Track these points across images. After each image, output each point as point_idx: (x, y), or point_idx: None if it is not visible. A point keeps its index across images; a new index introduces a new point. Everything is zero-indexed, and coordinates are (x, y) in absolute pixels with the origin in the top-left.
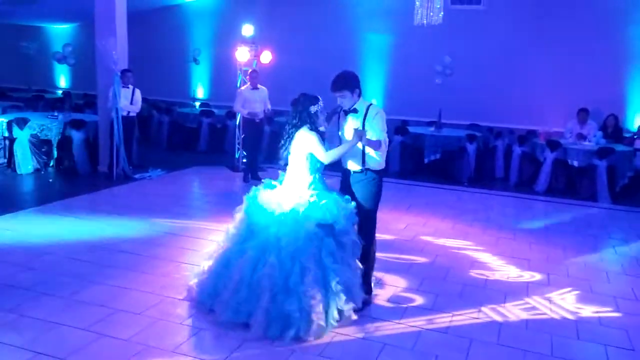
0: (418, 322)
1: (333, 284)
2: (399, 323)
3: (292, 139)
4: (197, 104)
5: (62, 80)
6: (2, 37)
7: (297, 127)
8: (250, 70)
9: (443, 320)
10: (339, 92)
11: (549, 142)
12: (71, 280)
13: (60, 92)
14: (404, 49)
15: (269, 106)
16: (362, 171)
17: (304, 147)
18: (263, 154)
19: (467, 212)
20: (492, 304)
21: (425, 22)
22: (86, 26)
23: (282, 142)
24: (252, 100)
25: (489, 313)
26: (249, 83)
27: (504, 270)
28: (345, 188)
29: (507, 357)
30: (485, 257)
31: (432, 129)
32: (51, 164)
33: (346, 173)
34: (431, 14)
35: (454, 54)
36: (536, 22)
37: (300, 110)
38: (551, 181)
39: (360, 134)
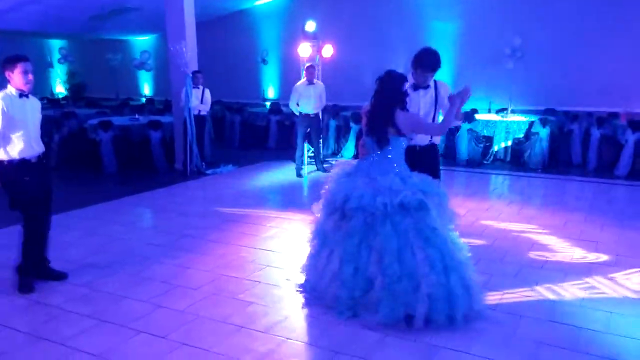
0: None
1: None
2: None
3: (386, 119)
4: (268, 103)
5: (146, 88)
6: (90, 50)
7: (388, 108)
8: (307, 65)
9: (493, 297)
10: (434, 72)
11: (631, 123)
12: (140, 261)
13: (143, 98)
14: (471, 34)
15: (324, 102)
16: (430, 144)
17: (404, 128)
18: (327, 148)
19: (536, 197)
20: (548, 283)
21: None
22: (165, 36)
23: (370, 124)
24: (307, 96)
25: (542, 292)
26: (305, 78)
27: (567, 252)
28: (409, 163)
29: (558, 333)
30: (548, 239)
31: (503, 115)
32: (132, 163)
33: (410, 148)
34: None
35: (524, 36)
36: None
37: (391, 89)
38: (634, 164)
39: (467, 91)
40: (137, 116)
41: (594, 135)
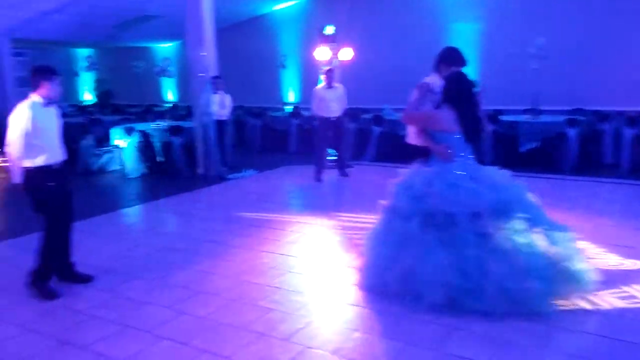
0: None
1: None
2: None
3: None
4: (288, 107)
5: (170, 94)
6: (116, 58)
7: (458, 107)
8: (326, 69)
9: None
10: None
11: None
12: (162, 266)
13: (167, 105)
14: (494, 35)
15: (345, 104)
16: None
17: (443, 127)
18: (349, 152)
19: (565, 200)
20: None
21: None
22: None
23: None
24: (328, 99)
25: (576, 301)
26: (324, 82)
27: (601, 258)
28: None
29: (594, 345)
30: (581, 244)
31: (528, 116)
32: (155, 168)
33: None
34: None
35: (549, 35)
36: None
37: (463, 90)
38: None
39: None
40: (159, 122)
41: (626, 135)
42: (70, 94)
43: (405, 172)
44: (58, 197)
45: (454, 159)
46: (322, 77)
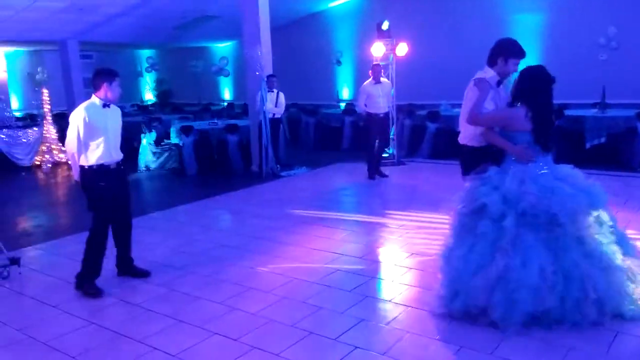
0: None
1: None
2: None
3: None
4: (343, 104)
5: (227, 93)
6: (175, 59)
7: (533, 104)
8: (373, 64)
9: None
10: None
11: None
12: (215, 262)
13: (224, 103)
14: (559, 25)
15: (391, 101)
16: None
17: (518, 126)
18: (402, 148)
19: (634, 199)
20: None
21: None
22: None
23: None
24: (376, 95)
25: None
26: (371, 77)
27: None
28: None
29: None
30: None
31: (596, 110)
32: (211, 166)
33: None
34: None
35: (620, 24)
36: None
37: (539, 86)
38: None
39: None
40: (215, 120)
41: None
42: (133, 94)
43: (483, 174)
44: (109, 198)
45: (534, 158)
46: (370, 72)
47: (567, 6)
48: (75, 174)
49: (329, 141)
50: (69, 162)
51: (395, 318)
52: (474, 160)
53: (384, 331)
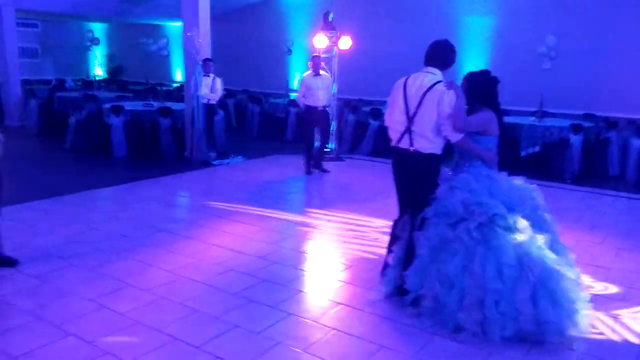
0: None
1: None
2: None
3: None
4: (294, 94)
5: (178, 74)
6: (126, 35)
7: (495, 109)
8: (313, 55)
9: None
10: None
11: None
12: (104, 254)
13: (176, 84)
14: (505, 31)
15: (331, 94)
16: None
17: (492, 129)
18: (344, 144)
19: (556, 211)
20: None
21: None
22: None
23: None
24: (315, 87)
25: None
26: (310, 69)
27: None
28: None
29: None
30: None
31: (533, 118)
32: (141, 149)
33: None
34: None
35: (561, 34)
36: None
37: (487, 90)
38: None
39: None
40: (151, 102)
41: (634, 145)
42: (79, 69)
43: (452, 177)
44: None
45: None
46: (309, 63)
47: (512, 12)
48: None
49: (273, 131)
50: None
51: (271, 326)
52: (437, 169)
53: (256, 340)
